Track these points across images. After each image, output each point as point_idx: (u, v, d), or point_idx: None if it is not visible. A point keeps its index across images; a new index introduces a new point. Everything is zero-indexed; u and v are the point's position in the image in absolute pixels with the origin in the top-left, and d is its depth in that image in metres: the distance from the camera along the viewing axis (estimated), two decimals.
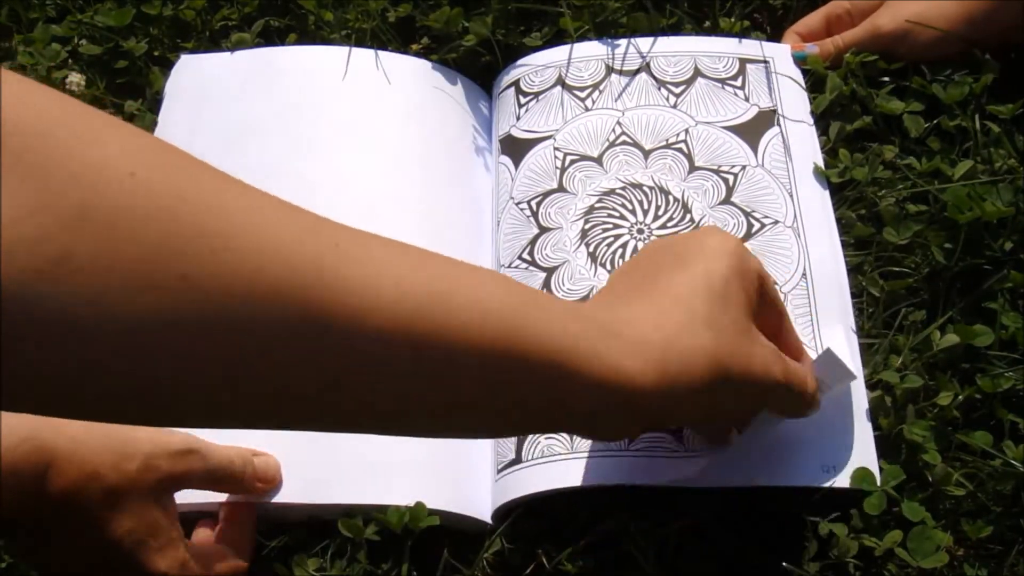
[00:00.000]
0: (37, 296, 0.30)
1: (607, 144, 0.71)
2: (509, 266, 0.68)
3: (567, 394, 0.42)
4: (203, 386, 0.34)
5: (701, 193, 0.68)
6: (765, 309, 0.52)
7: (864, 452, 0.59)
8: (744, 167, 0.69)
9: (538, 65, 0.75)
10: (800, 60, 0.74)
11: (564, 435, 0.59)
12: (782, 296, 0.60)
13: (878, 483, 0.57)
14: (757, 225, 0.66)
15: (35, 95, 0.32)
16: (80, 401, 0.33)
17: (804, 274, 0.64)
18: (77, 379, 0.32)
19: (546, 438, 0.60)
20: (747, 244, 0.65)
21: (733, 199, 0.67)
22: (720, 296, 0.47)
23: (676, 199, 0.68)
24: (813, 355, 0.58)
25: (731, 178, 0.68)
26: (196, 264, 0.32)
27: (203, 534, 0.61)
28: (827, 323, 0.63)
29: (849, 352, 0.60)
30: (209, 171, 0.36)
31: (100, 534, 0.52)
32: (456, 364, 0.38)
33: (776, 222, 0.66)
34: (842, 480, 0.57)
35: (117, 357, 0.32)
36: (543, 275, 0.66)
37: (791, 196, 0.67)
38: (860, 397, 0.60)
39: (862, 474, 0.57)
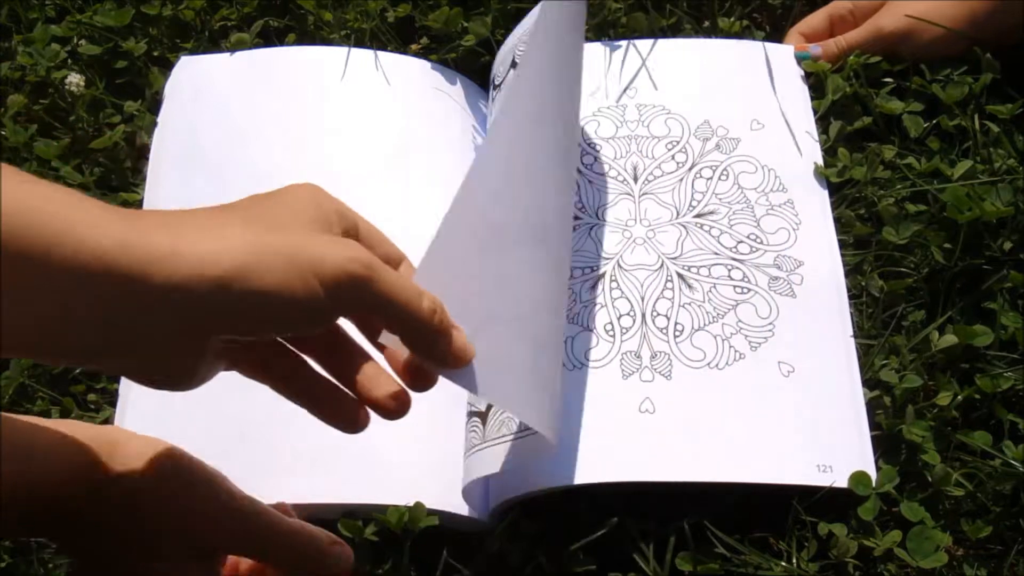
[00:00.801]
0: None
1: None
2: None
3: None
4: None
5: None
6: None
7: (861, 452, 0.59)
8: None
9: None
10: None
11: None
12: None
13: (873, 485, 0.57)
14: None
15: None
16: None
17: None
18: None
19: (503, 414, 0.59)
20: None
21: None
22: (274, 201, 0.44)
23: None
24: None
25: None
26: None
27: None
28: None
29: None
30: None
31: (147, 549, 0.49)
32: None
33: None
34: (839, 480, 0.57)
35: None
36: None
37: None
38: (857, 397, 0.60)
39: (857, 477, 0.57)
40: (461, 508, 0.60)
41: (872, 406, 0.61)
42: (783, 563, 0.57)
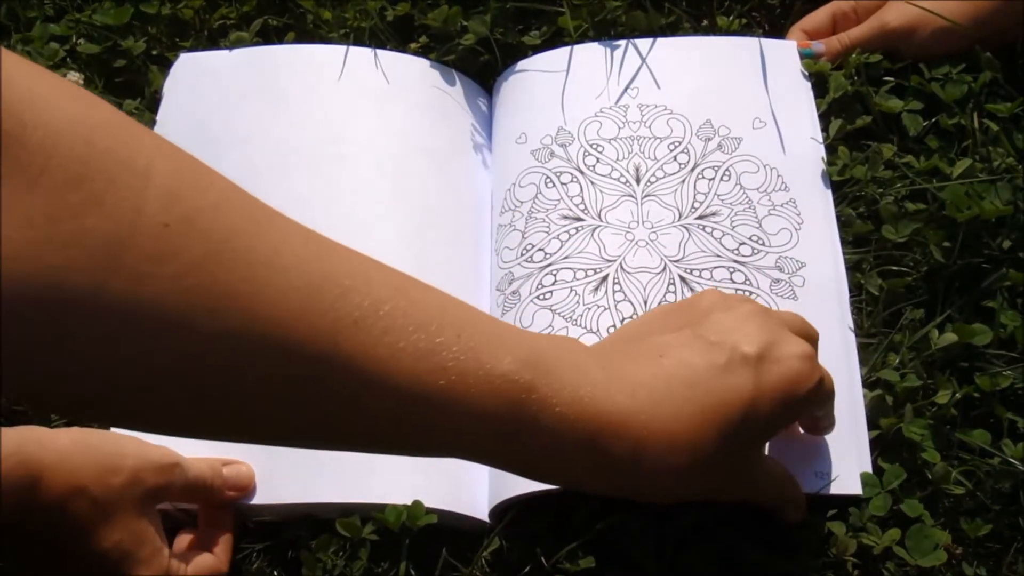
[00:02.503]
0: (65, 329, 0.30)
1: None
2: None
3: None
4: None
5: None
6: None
7: (859, 456, 0.59)
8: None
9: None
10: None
11: None
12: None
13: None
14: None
15: (63, 93, 0.31)
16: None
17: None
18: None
19: None
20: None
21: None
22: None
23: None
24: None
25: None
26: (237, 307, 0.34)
27: (184, 541, 0.61)
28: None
29: None
30: (252, 207, 0.35)
31: (88, 546, 0.52)
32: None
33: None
34: (839, 484, 0.57)
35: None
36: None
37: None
38: (857, 400, 0.60)
39: (864, 478, 0.58)
40: (459, 507, 0.60)
41: (872, 405, 0.61)
42: (782, 562, 0.57)
